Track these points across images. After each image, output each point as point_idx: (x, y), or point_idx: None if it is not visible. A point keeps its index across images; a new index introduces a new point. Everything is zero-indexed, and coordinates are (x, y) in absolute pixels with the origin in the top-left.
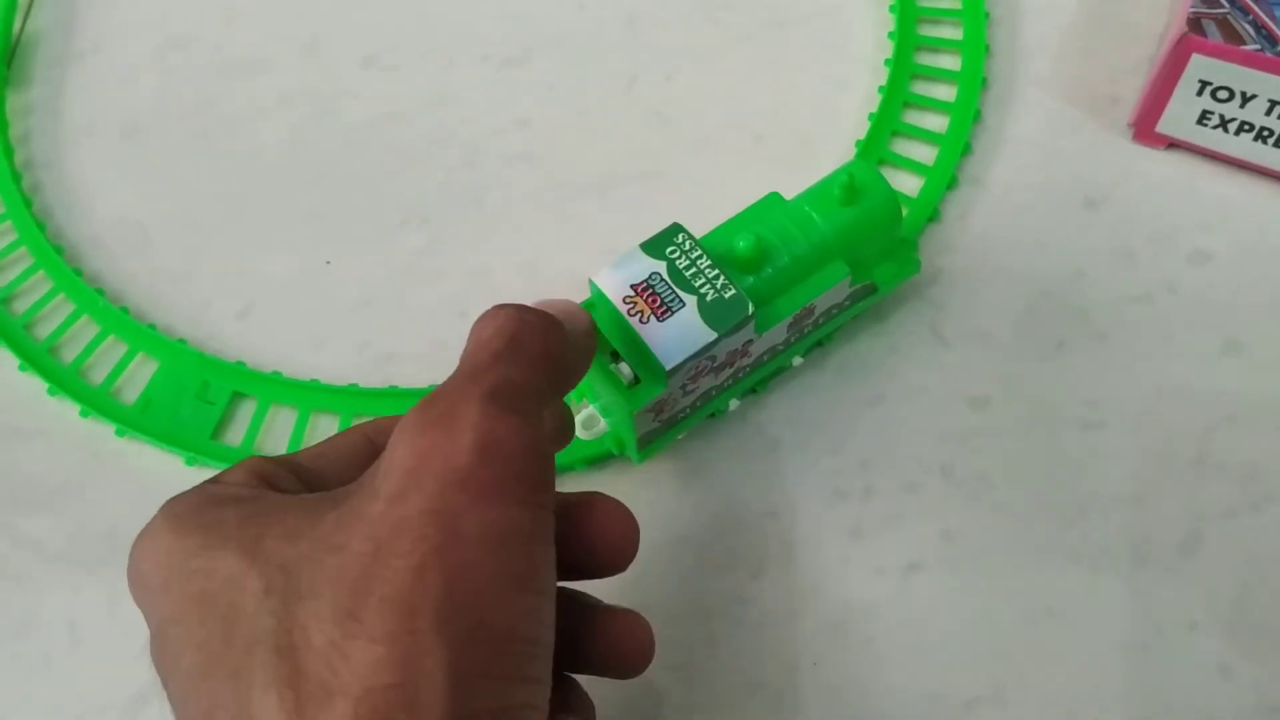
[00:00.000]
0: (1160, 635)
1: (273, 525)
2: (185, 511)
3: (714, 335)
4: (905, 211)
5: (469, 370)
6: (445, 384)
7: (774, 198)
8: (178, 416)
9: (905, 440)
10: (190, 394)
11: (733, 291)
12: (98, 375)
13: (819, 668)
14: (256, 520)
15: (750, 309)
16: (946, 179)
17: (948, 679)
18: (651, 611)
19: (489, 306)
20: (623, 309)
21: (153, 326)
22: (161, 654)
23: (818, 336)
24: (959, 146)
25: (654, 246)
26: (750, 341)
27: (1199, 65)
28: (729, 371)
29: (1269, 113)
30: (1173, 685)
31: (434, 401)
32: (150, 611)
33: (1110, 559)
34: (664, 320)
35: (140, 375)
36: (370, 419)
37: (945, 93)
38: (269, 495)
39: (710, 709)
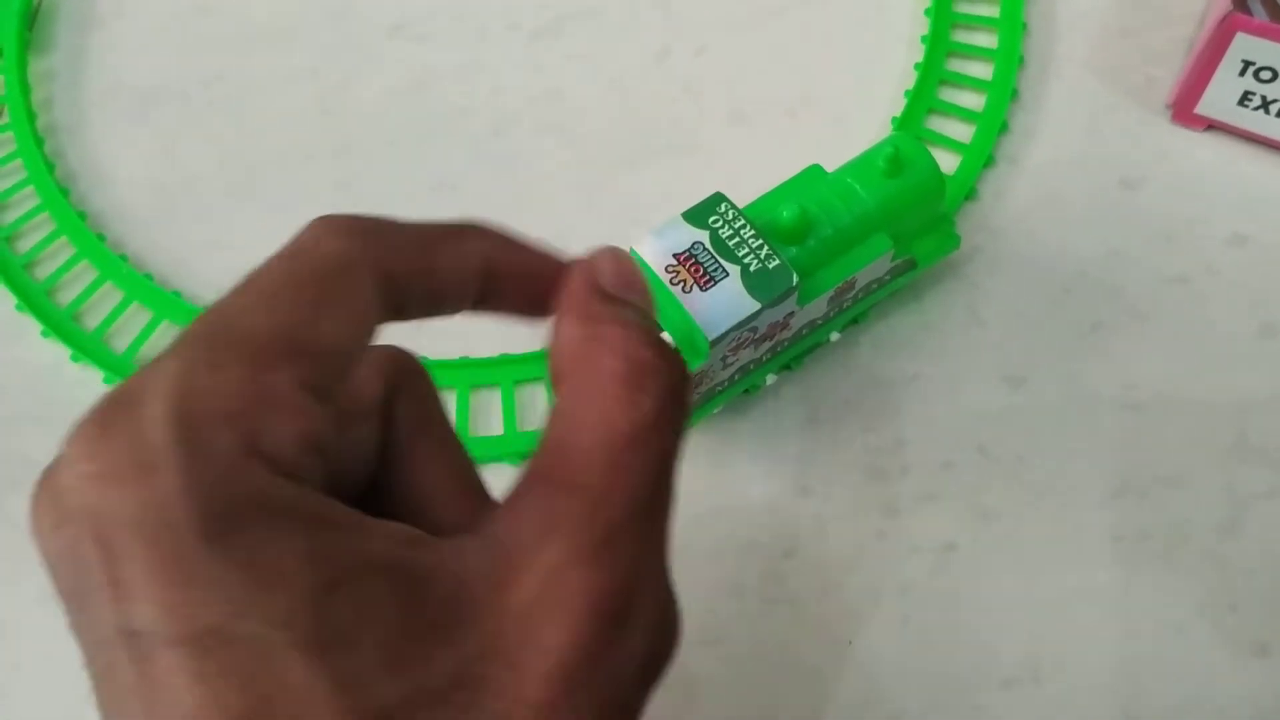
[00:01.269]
0: (1199, 616)
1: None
2: (221, 511)
3: (757, 305)
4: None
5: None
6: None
7: (815, 169)
8: None
9: (941, 419)
10: None
11: (777, 261)
12: (121, 343)
13: (854, 646)
14: (333, 596)
15: (795, 279)
16: (984, 157)
17: (984, 658)
18: (683, 588)
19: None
20: (665, 278)
21: (177, 293)
22: None
23: (855, 312)
24: (996, 125)
25: (696, 215)
26: (791, 314)
27: (1243, 45)
28: (768, 345)
29: None
30: (1210, 666)
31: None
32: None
33: (1147, 540)
34: (707, 289)
35: (164, 343)
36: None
37: (982, 71)
38: (344, 523)
39: (746, 686)
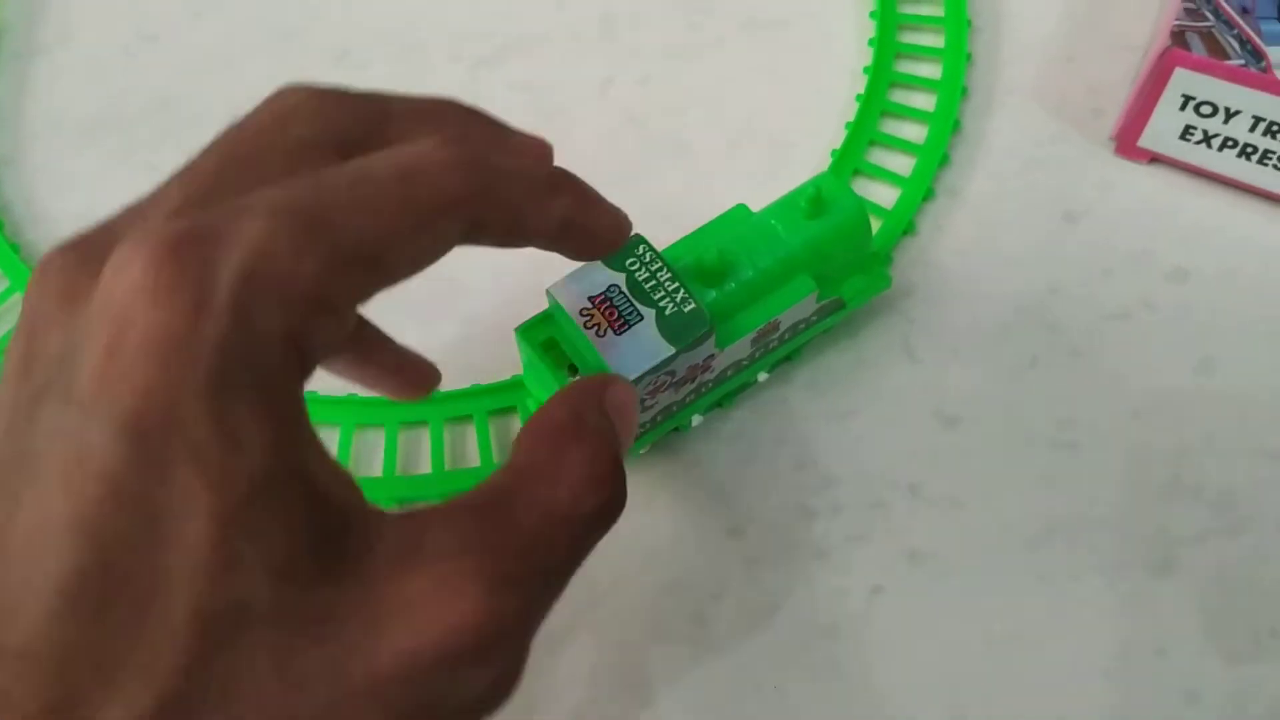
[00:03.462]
0: (1127, 661)
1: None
2: (235, 381)
3: (672, 350)
4: (879, 224)
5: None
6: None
7: (740, 210)
8: None
9: (874, 457)
10: None
11: (692, 305)
12: None
13: (780, 691)
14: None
15: (709, 323)
16: (923, 191)
17: (911, 705)
18: (606, 633)
19: (453, 317)
20: (579, 322)
21: None
22: None
23: (784, 352)
24: (936, 157)
25: (614, 258)
26: (712, 357)
27: (1182, 79)
28: (690, 387)
29: (1253, 129)
30: (1140, 712)
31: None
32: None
33: (1079, 582)
34: (621, 334)
35: None
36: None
37: (925, 101)
38: (311, 442)
39: None
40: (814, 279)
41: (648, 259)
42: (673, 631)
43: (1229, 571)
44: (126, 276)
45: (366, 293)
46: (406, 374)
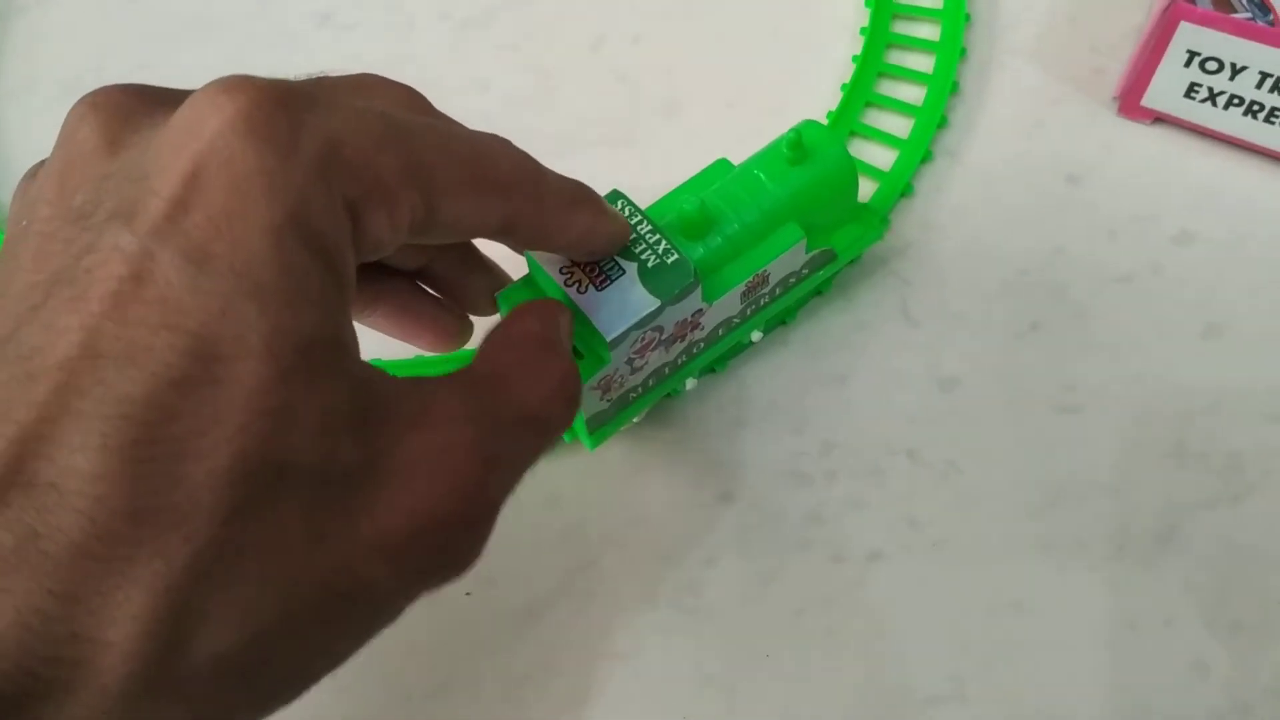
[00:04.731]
0: (1133, 630)
1: None
2: (305, 236)
3: (657, 303)
4: (877, 185)
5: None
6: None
7: (722, 164)
8: None
9: (871, 422)
10: None
11: (675, 256)
12: None
13: (772, 659)
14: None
15: (695, 273)
16: (921, 152)
17: (907, 674)
18: (598, 600)
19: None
20: (559, 280)
21: None
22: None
23: (777, 310)
24: (934, 119)
25: None
26: (701, 312)
27: (1187, 34)
28: (681, 346)
29: (1259, 86)
30: (1146, 682)
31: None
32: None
33: (1083, 550)
34: (603, 289)
35: None
36: None
37: (923, 63)
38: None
39: (660, 701)
40: (802, 228)
41: (627, 213)
42: (664, 598)
43: (1236, 538)
44: (218, 112)
45: (416, 227)
46: (443, 324)
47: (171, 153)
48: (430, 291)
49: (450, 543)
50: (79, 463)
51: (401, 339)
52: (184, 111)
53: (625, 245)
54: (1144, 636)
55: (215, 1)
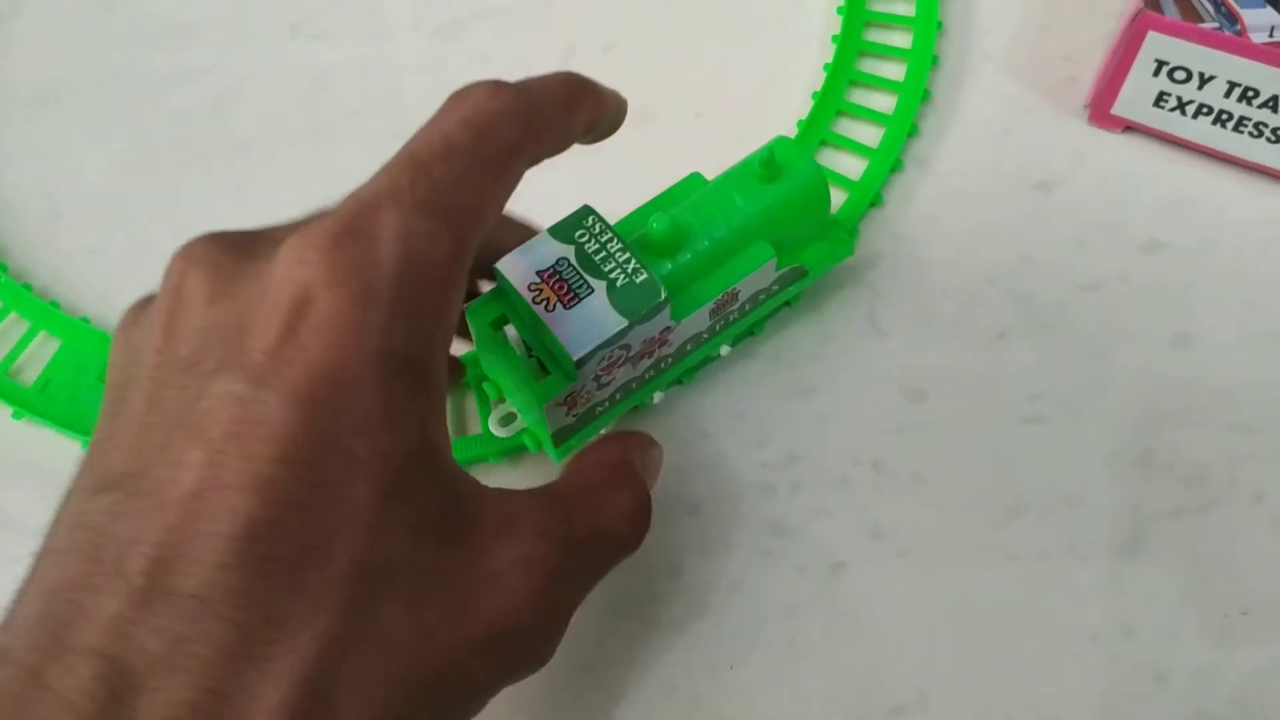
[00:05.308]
0: (1096, 642)
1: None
2: (399, 359)
3: (625, 322)
4: (846, 195)
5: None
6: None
7: (695, 178)
8: (77, 399)
9: (837, 433)
10: (91, 376)
11: (644, 276)
12: None
13: (736, 671)
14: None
15: (663, 294)
16: (890, 161)
17: (872, 685)
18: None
19: None
20: (528, 297)
21: (55, 304)
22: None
23: (747, 324)
24: (905, 128)
25: (562, 230)
26: (669, 330)
27: (1155, 43)
28: (648, 362)
29: (1228, 95)
30: (1109, 694)
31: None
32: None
33: (1048, 561)
34: (571, 307)
35: (42, 355)
36: None
37: (894, 71)
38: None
39: (624, 712)
40: (773, 246)
41: (597, 230)
42: (628, 610)
43: (1201, 549)
44: (303, 266)
45: (475, 252)
46: None
47: (268, 305)
48: None
49: (529, 644)
50: (218, 577)
51: None
52: (279, 261)
53: (624, 115)
54: (1109, 647)
55: (189, 8)
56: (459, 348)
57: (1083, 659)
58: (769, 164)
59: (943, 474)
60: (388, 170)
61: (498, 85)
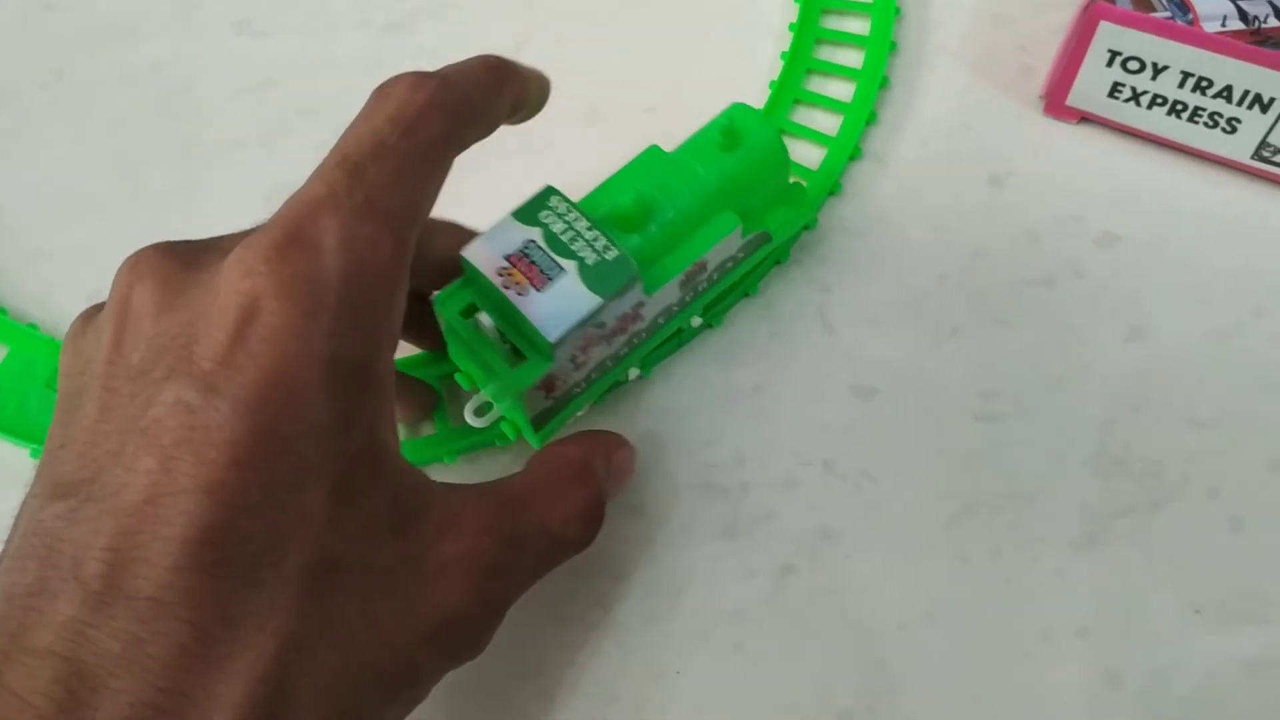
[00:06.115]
0: (1048, 641)
1: None
2: (346, 363)
3: (599, 300)
4: (805, 184)
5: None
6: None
7: (654, 151)
8: (25, 406)
9: (786, 432)
10: (39, 383)
11: (615, 252)
12: None
13: (682, 676)
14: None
15: (635, 268)
16: (849, 150)
17: (819, 688)
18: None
19: None
20: (497, 283)
21: (2, 310)
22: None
23: (716, 293)
24: (864, 116)
25: (526, 213)
26: (641, 304)
27: (1108, 33)
28: (623, 338)
29: (1181, 85)
30: (1061, 694)
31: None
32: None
33: (999, 560)
34: (543, 289)
35: None
36: None
37: (853, 59)
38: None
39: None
40: (738, 213)
41: (562, 210)
42: (572, 615)
43: (1154, 547)
44: (247, 277)
45: (414, 247)
46: (412, 398)
47: (216, 314)
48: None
49: (471, 634)
50: (174, 579)
51: None
52: (218, 280)
53: (548, 94)
54: (1060, 646)
55: (132, 7)
56: (406, 350)
57: (1035, 658)
58: (728, 132)
59: (893, 473)
60: (322, 174)
61: (421, 77)
